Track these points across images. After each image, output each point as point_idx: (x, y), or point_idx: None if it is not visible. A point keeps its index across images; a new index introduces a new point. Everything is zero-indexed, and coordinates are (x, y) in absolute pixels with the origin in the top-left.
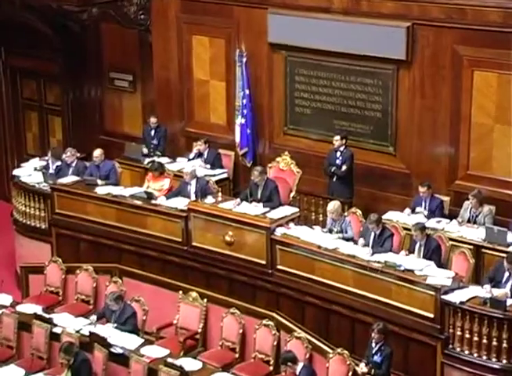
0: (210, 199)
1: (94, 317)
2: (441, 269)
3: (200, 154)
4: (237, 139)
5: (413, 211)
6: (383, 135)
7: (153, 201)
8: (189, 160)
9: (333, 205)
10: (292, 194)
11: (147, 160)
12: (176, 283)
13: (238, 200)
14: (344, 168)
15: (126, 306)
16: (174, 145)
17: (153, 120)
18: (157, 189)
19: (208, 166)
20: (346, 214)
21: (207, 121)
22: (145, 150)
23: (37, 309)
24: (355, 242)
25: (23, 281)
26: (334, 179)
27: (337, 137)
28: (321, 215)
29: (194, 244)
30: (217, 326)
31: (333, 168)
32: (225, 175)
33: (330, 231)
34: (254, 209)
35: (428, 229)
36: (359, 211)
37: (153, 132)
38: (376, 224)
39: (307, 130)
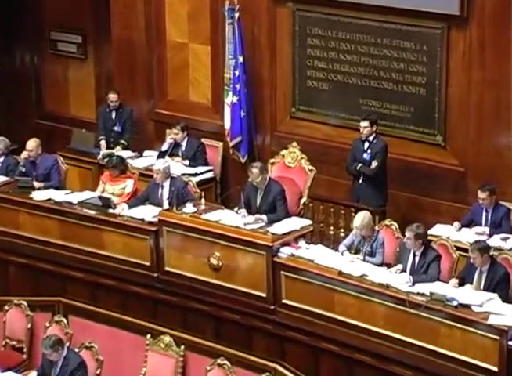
0: (189, 207)
1: (33, 374)
2: (509, 304)
3: (175, 146)
4: (227, 124)
5: (470, 225)
6: (428, 120)
7: (111, 210)
8: (160, 154)
9: (363, 218)
10: (303, 201)
11: (103, 153)
12: (143, 323)
13: (243, 211)
14: (374, 164)
15: (71, 355)
16: (139, 133)
17: (112, 97)
18: (117, 193)
19: (187, 162)
20: (377, 228)
21: (186, 100)
22: (103, 143)
23: None
24: (389, 267)
25: None
26: (361, 180)
27: (365, 123)
28: (342, 230)
29: (168, 269)
30: None
31: (360, 165)
32: (210, 175)
33: (357, 252)
34: (249, 221)
35: (491, 250)
36: (395, 225)
37: (113, 115)
38: (417, 239)
39: (323, 112)
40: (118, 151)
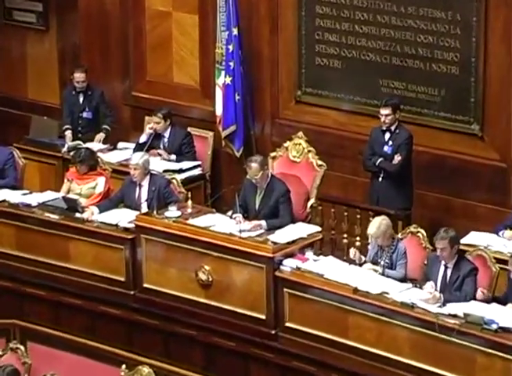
0: (173, 211)
1: None
2: None
3: (156, 137)
4: (219, 110)
5: None
6: (462, 105)
7: (78, 215)
8: (138, 146)
9: (378, 224)
10: (310, 203)
11: (69, 145)
12: (116, 351)
13: (238, 215)
14: (397, 159)
15: None
16: (112, 121)
17: (78, 76)
18: (85, 194)
19: (172, 156)
20: (400, 236)
21: (168, 81)
22: (68, 133)
23: None
24: (415, 283)
25: None
26: (381, 178)
27: (386, 109)
28: (358, 238)
29: (146, 285)
30: None
31: (380, 160)
32: (198, 171)
33: (374, 265)
34: (245, 228)
35: None
36: (422, 232)
37: (81, 98)
38: (453, 246)
39: (335, 96)
40: (100, 140)
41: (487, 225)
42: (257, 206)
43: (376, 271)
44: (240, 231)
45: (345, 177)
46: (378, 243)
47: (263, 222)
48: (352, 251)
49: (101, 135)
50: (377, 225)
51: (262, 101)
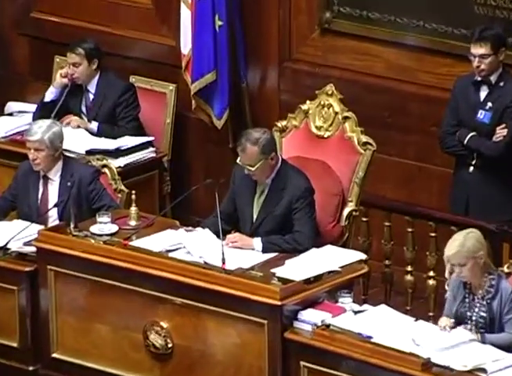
0: (104, 223)
1: None
2: None
3: (74, 91)
4: (185, 45)
5: None
6: None
7: None
8: (41, 108)
9: (461, 242)
10: (348, 210)
11: None
12: None
13: (206, 230)
14: (500, 133)
15: None
16: None
17: None
18: None
19: (94, 124)
20: (506, 269)
21: None
22: None
23: None
24: None
25: None
26: (472, 168)
27: (483, 47)
28: (431, 272)
29: (56, 356)
30: None
31: (471, 135)
32: (148, 153)
33: (460, 319)
34: (234, 253)
35: None
36: None
37: None
38: None
39: (389, 19)
40: None
41: None
42: (255, 215)
43: (467, 333)
44: (223, 260)
45: (407, 164)
46: (463, 278)
47: (255, 241)
48: (443, 323)
49: None
50: (460, 242)
51: (263, 29)
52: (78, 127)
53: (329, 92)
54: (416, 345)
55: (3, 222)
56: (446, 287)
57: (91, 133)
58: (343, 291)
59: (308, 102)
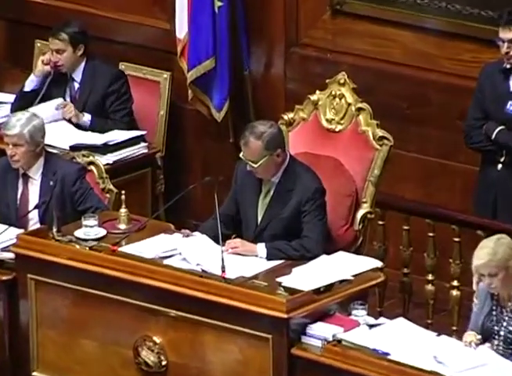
0: (91, 227)
1: None
2: None
3: (58, 79)
4: (181, 29)
5: None
6: None
7: None
8: (21, 99)
9: (492, 251)
10: (362, 212)
11: None
12: None
13: (204, 235)
14: None
15: None
16: None
17: None
18: None
19: (85, 117)
20: None
21: None
22: None
23: None
24: None
25: None
26: (500, 165)
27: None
28: (455, 282)
29: (36, 374)
30: None
31: (499, 129)
32: (140, 149)
33: (487, 335)
34: (236, 261)
35: None
36: None
37: None
38: None
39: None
40: None
41: None
42: (259, 217)
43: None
44: (223, 268)
45: (428, 161)
46: (493, 289)
47: (259, 246)
48: (468, 338)
49: None
50: (490, 250)
51: (267, 12)
52: (70, 119)
53: (341, 81)
54: (438, 362)
55: None
56: (475, 300)
57: (83, 127)
58: (356, 302)
59: (317, 92)
